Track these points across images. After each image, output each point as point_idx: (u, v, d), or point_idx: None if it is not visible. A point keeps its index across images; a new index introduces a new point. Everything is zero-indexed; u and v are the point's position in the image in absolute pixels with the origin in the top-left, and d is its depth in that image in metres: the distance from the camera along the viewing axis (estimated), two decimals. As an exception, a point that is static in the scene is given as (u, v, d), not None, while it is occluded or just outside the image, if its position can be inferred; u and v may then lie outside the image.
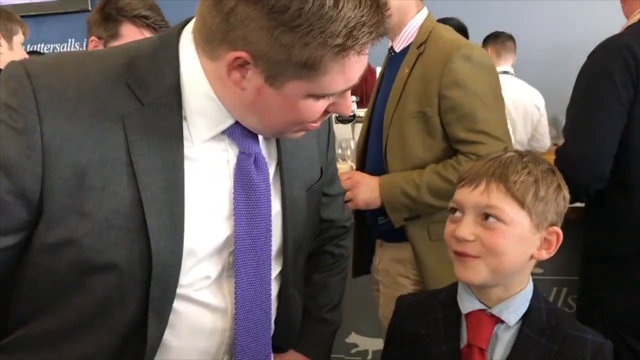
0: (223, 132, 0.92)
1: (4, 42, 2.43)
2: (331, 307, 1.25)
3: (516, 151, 1.07)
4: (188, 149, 0.89)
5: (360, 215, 1.87)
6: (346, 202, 1.68)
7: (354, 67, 0.83)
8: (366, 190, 1.72)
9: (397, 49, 1.79)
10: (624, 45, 1.66)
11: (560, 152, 1.77)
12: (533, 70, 3.85)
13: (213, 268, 0.95)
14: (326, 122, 1.11)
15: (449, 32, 1.75)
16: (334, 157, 1.21)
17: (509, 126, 1.78)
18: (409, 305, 1.17)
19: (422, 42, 1.71)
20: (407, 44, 1.76)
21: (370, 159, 1.86)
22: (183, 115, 0.89)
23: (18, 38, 2.49)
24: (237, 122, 0.92)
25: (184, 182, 0.89)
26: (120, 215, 0.85)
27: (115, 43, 1.56)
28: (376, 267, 1.91)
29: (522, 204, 0.99)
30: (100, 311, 0.89)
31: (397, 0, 1.69)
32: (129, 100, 0.86)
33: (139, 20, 1.59)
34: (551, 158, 1.69)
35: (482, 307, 1.04)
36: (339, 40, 0.78)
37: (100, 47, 1.63)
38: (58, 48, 5.10)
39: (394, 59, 1.80)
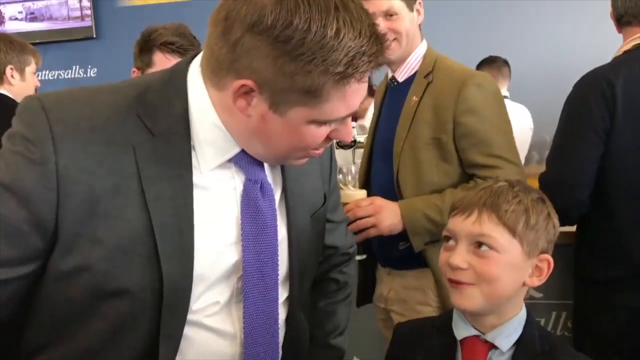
0: (230, 160, 0.95)
1: (16, 74, 2.47)
2: (337, 334, 1.27)
3: (506, 181, 1.09)
4: (196, 177, 0.92)
5: (362, 244, 1.87)
6: (368, 228, 1.68)
7: (355, 94, 0.87)
8: (389, 215, 1.69)
9: (400, 79, 1.81)
10: (603, 77, 1.70)
11: (541, 178, 1.81)
12: (527, 94, 3.85)
13: (222, 294, 0.97)
14: (328, 149, 1.14)
15: (454, 62, 1.79)
16: (336, 184, 1.24)
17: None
18: (406, 333, 1.18)
19: (429, 71, 1.74)
20: (410, 74, 1.79)
21: (378, 185, 1.85)
22: (192, 144, 0.91)
23: (30, 68, 2.53)
24: (243, 150, 0.94)
25: (193, 209, 0.91)
26: (132, 241, 0.87)
27: (150, 70, 1.71)
28: (386, 296, 1.88)
29: (513, 232, 1.01)
30: (114, 337, 0.90)
31: (412, 31, 1.74)
32: (140, 131, 0.89)
33: (165, 47, 1.71)
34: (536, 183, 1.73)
35: (476, 333, 1.05)
36: (340, 69, 0.81)
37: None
38: (62, 75, 5.06)
39: (397, 89, 1.82)
